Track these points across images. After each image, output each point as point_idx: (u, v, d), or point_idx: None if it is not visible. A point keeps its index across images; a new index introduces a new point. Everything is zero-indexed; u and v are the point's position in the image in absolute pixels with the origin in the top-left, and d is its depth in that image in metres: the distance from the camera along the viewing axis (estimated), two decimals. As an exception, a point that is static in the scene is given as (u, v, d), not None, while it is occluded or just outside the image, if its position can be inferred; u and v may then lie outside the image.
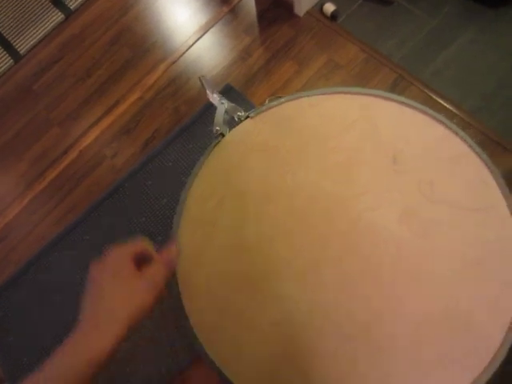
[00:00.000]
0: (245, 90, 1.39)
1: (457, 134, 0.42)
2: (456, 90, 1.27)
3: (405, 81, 1.30)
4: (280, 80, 1.39)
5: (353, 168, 0.41)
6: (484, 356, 0.36)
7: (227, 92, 1.39)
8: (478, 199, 0.39)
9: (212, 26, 1.51)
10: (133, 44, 1.52)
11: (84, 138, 1.43)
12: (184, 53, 1.48)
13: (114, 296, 0.37)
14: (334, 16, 1.42)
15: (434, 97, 1.26)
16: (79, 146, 1.42)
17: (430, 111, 0.43)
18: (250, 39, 1.47)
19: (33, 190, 1.40)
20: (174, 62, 1.46)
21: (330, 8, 1.42)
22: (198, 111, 1.37)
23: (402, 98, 0.44)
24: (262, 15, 1.50)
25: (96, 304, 0.37)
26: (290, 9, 1.47)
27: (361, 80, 1.32)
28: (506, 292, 0.37)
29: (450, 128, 0.42)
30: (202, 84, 0.65)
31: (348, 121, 0.43)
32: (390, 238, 0.39)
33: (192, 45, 1.49)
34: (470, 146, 0.42)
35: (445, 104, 1.24)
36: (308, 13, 1.47)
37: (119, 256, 0.39)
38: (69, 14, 1.65)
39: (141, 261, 0.40)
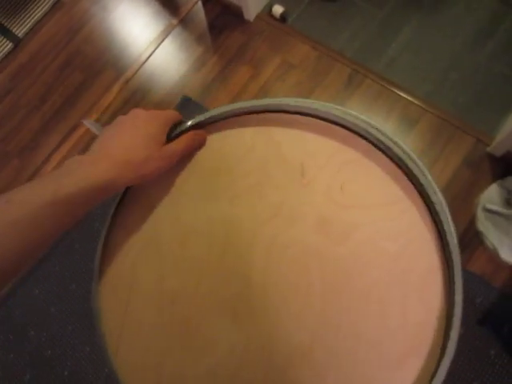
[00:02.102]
0: (203, 100, 1.38)
1: (359, 133, 0.40)
2: (409, 77, 1.27)
3: (360, 74, 1.30)
4: (237, 85, 1.38)
5: (260, 193, 0.40)
6: (425, 354, 0.35)
7: (185, 104, 1.37)
8: (388, 194, 0.39)
9: (163, 40, 1.49)
10: (85, 66, 1.49)
11: (46, 165, 1.40)
12: (137, 70, 1.46)
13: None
14: (283, 17, 1.42)
15: (390, 87, 1.26)
16: (42, 174, 1.39)
17: (331, 114, 0.41)
18: (203, 49, 1.46)
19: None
20: (128, 81, 1.44)
21: (278, 10, 1.42)
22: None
23: (305, 102, 0.42)
24: (212, 24, 1.49)
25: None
26: (239, 15, 1.47)
27: (316, 78, 1.32)
28: (430, 279, 0.36)
29: (352, 129, 0.40)
30: (90, 128, 0.63)
31: (247, 146, 0.42)
32: (311, 253, 0.37)
33: (145, 61, 1.47)
34: (373, 143, 0.40)
35: (400, 93, 1.25)
36: (258, 17, 1.47)
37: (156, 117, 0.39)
38: (17, 42, 1.62)
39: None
